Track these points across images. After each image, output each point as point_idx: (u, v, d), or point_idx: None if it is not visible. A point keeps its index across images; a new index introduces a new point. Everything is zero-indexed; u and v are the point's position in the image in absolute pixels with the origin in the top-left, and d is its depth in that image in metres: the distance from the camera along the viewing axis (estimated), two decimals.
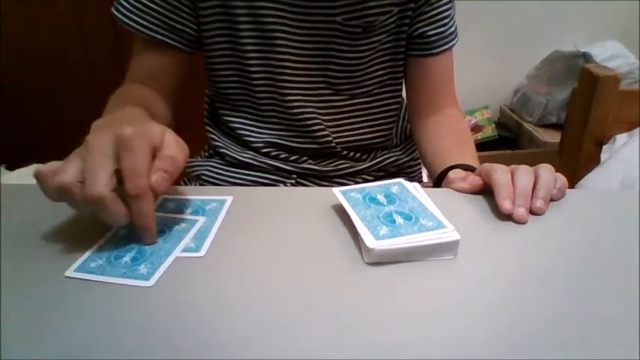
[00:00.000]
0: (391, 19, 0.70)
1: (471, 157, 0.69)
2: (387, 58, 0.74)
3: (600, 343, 0.35)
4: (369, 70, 0.74)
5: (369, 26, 0.69)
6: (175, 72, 0.75)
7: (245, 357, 0.33)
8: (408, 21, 0.72)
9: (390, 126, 0.81)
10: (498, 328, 0.36)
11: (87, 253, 0.44)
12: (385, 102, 0.78)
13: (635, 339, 0.35)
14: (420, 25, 0.72)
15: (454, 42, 0.76)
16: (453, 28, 0.75)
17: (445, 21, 0.73)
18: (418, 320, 0.37)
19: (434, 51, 0.74)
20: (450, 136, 0.75)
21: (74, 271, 0.42)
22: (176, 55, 0.73)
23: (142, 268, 0.42)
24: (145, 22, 0.69)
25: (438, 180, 0.65)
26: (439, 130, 0.76)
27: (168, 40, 0.71)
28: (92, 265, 0.43)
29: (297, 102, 0.73)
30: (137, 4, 0.69)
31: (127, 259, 0.44)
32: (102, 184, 0.40)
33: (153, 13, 0.69)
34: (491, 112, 2.02)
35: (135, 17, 0.69)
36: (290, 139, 0.76)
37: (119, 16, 0.70)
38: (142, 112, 0.55)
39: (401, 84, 0.80)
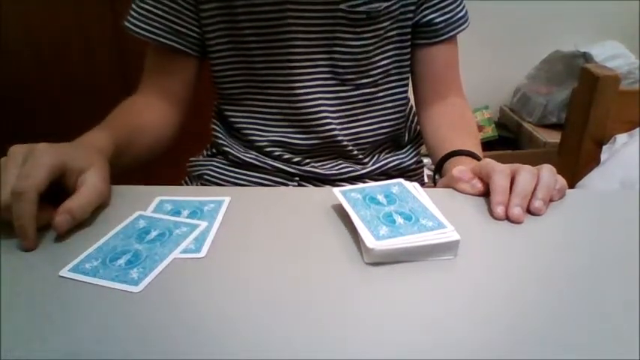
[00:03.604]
0: (395, 7, 0.70)
1: (472, 144, 0.69)
2: (392, 46, 0.74)
3: (600, 343, 0.35)
4: (374, 59, 0.73)
5: (373, 11, 0.69)
6: (184, 78, 0.76)
7: (245, 357, 0.34)
8: (412, 8, 0.72)
9: (397, 117, 0.80)
10: (498, 328, 0.36)
11: (84, 254, 0.44)
12: (391, 92, 0.78)
13: (635, 339, 0.35)
14: (426, 12, 0.73)
15: (463, 27, 0.76)
16: (461, 13, 0.75)
17: (452, 7, 0.73)
18: (418, 320, 0.37)
19: (441, 38, 0.74)
20: (452, 124, 0.76)
21: (68, 271, 0.42)
22: (184, 61, 0.75)
23: (134, 273, 0.42)
24: (150, 28, 0.72)
25: (439, 167, 0.67)
26: (442, 118, 0.77)
27: (174, 44, 0.73)
28: (87, 266, 0.43)
29: (303, 95, 0.72)
30: (142, 12, 0.71)
31: (121, 261, 0.43)
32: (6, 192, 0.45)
33: (157, 19, 0.71)
34: (491, 112, 2.02)
35: (141, 24, 0.72)
36: (295, 135, 0.75)
37: (129, 25, 0.73)
38: (100, 141, 0.58)
39: (407, 75, 0.79)
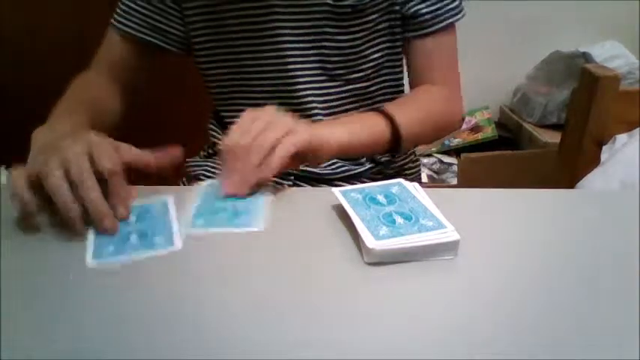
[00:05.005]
0: None
1: (398, 103, 0.70)
2: (382, 39, 0.74)
3: (600, 343, 0.35)
4: (364, 53, 0.73)
5: (359, 4, 0.68)
6: (148, 73, 0.79)
7: (244, 357, 0.33)
8: (399, 0, 0.71)
9: None
10: (498, 328, 0.36)
11: (90, 243, 0.45)
12: (384, 85, 0.77)
13: (635, 339, 0.35)
14: (412, 3, 0.71)
15: (455, 18, 0.74)
16: (453, 4, 0.73)
17: None
18: (418, 320, 0.37)
19: (430, 29, 0.73)
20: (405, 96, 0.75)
21: (92, 260, 0.43)
22: (157, 57, 0.77)
23: (158, 240, 0.46)
24: (132, 25, 0.73)
25: None
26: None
27: (155, 41, 0.74)
28: (110, 249, 0.44)
29: (293, 92, 0.72)
30: (126, 9, 0.73)
31: (133, 239, 0.46)
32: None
33: (139, 16, 0.73)
34: (491, 112, 2.02)
35: (124, 21, 0.73)
36: None
37: (113, 23, 0.75)
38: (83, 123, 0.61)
39: (401, 68, 0.78)
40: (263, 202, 0.52)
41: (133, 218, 0.49)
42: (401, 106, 0.69)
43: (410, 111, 0.69)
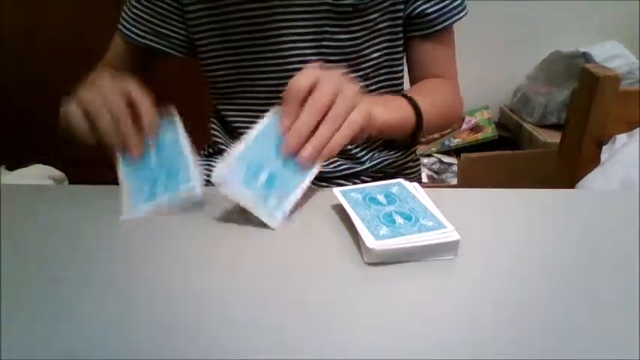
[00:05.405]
0: None
1: (416, 91, 0.69)
2: (382, 39, 0.74)
3: (600, 343, 0.35)
4: (364, 53, 0.73)
5: (360, 3, 0.68)
6: (141, 70, 0.80)
7: (243, 357, 0.33)
8: None
9: None
10: (498, 329, 0.36)
11: (128, 195, 0.52)
12: (383, 84, 0.77)
13: (635, 339, 0.35)
14: (418, 3, 0.71)
15: (459, 16, 0.73)
16: (456, 3, 0.73)
17: None
18: (418, 320, 0.37)
19: (435, 28, 0.73)
20: (417, 85, 0.76)
21: (133, 209, 0.51)
22: (161, 60, 0.79)
23: (182, 188, 0.53)
24: (137, 31, 0.75)
25: None
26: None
27: (159, 47, 0.76)
28: (144, 196, 0.52)
29: None
30: (132, 15, 0.75)
31: (160, 189, 0.53)
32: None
33: (144, 22, 0.74)
34: (492, 112, 2.02)
35: (131, 27, 0.75)
36: None
37: (121, 29, 0.76)
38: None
39: (400, 67, 0.79)
40: (306, 182, 0.51)
41: (154, 158, 0.56)
42: (420, 94, 0.69)
43: (426, 100, 0.68)
